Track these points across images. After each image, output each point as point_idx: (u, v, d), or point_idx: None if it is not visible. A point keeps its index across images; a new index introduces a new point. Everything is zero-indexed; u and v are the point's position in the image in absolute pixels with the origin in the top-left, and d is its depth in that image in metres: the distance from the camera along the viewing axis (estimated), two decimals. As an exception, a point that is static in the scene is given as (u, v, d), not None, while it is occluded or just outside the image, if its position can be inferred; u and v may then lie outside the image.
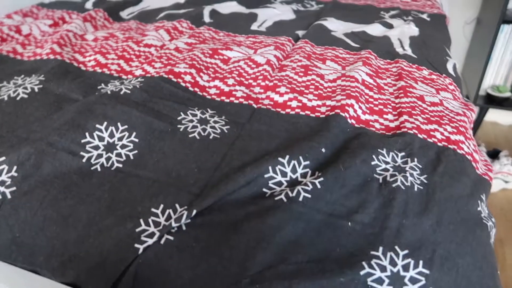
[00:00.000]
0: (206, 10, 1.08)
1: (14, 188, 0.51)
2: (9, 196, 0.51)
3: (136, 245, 0.45)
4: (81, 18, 0.94)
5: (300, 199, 0.48)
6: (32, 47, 0.82)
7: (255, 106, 0.65)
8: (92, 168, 0.53)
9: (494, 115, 2.13)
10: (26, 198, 0.51)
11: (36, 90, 0.65)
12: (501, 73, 1.83)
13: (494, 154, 1.80)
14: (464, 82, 2.02)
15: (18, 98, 0.63)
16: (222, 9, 1.13)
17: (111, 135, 0.57)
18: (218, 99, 0.67)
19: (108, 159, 0.54)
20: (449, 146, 0.58)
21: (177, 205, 0.49)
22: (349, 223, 0.46)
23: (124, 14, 1.11)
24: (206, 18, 1.05)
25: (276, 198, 0.48)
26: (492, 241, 0.53)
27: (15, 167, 0.53)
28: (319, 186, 0.49)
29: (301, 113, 0.63)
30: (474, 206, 0.51)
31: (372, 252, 0.44)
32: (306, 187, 0.49)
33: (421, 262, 0.43)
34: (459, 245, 0.45)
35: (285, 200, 0.48)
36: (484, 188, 0.55)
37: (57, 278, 0.47)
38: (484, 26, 1.81)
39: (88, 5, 1.12)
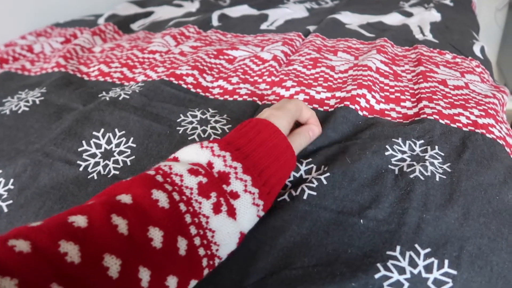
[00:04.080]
0: (215, 15, 1.06)
1: (10, 201, 0.50)
2: (5, 209, 0.49)
3: None
4: (90, 32, 0.94)
5: (305, 197, 0.43)
6: (40, 63, 0.82)
7: (259, 102, 0.61)
8: (88, 177, 0.51)
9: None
10: (22, 211, 0.49)
11: (38, 102, 0.64)
12: (540, 58, 1.70)
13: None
14: (500, 72, 1.89)
15: (19, 112, 0.62)
16: (232, 12, 1.11)
17: (109, 142, 0.54)
18: (221, 98, 0.64)
19: (105, 166, 0.52)
20: (477, 130, 0.52)
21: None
22: (361, 221, 0.41)
23: (134, 26, 1.11)
24: (215, 22, 1.03)
25: (279, 199, 0.44)
26: None
27: (12, 180, 0.51)
28: (325, 182, 0.44)
29: (309, 106, 0.59)
30: (509, 195, 0.44)
31: (388, 252, 0.38)
32: (311, 184, 0.44)
33: (446, 262, 0.37)
34: (492, 240, 0.39)
35: (288, 200, 0.43)
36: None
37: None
38: (517, 10, 1.70)
39: (101, 21, 1.13)
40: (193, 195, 0.33)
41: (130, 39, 0.93)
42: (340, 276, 0.37)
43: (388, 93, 0.62)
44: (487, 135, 0.51)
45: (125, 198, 0.31)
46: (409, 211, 0.41)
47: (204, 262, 0.33)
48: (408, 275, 0.37)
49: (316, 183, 0.44)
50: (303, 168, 0.47)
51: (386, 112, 0.58)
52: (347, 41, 0.84)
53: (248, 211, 0.37)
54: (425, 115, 0.54)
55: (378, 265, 0.37)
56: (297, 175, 0.47)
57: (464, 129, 0.52)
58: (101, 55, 0.83)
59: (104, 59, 0.79)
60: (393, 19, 1.00)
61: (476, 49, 0.83)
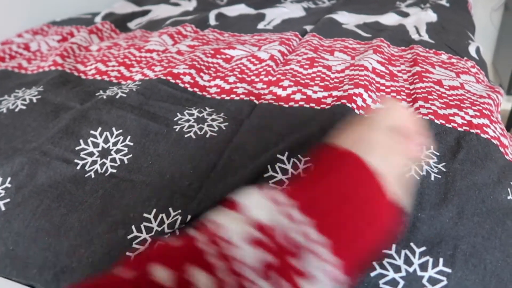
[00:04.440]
0: (212, 14, 1.06)
1: (8, 200, 0.50)
2: (3, 208, 0.49)
3: (128, 253, 0.42)
4: (87, 30, 0.94)
5: None
6: (37, 62, 0.82)
7: (256, 102, 0.62)
8: (86, 175, 0.51)
9: (533, 105, 1.99)
10: (19, 209, 0.49)
11: (35, 100, 0.64)
12: (535, 58, 1.71)
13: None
14: (496, 72, 1.90)
15: (16, 110, 0.62)
16: (229, 12, 1.11)
17: (106, 141, 0.54)
18: (218, 97, 0.64)
19: (102, 165, 0.52)
20: (471, 130, 0.52)
21: (170, 209, 0.45)
22: None
23: (132, 25, 1.10)
24: (212, 21, 1.03)
25: None
26: None
27: (9, 178, 0.51)
28: None
29: (305, 105, 0.59)
30: (503, 194, 0.44)
31: (384, 251, 0.39)
32: None
33: (441, 260, 0.38)
34: (486, 239, 0.40)
35: None
36: (515, 175, 0.49)
37: (52, 291, 0.45)
38: (512, 10, 1.71)
39: (97, 19, 1.13)
40: (251, 276, 0.23)
41: (127, 38, 0.93)
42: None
43: (384, 93, 0.62)
44: (482, 135, 0.52)
45: None
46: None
47: None
48: (403, 273, 0.37)
49: None
50: (301, 166, 0.47)
51: (382, 112, 0.58)
52: (344, 41, 0.84)
53: None
54: (420, 115, 0.54)
55: (374, 263, 0.38)
56: (296, 173, 0.47)
57: (459, 129, 0.52)
58: (98, 53, 0.83)
59: (101, 58, 0.79)
60: (389, 19, 1.01)
61: (472, 49, 0.84)
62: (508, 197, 0.45)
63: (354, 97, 0.58)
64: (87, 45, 0.88)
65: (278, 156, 0.47)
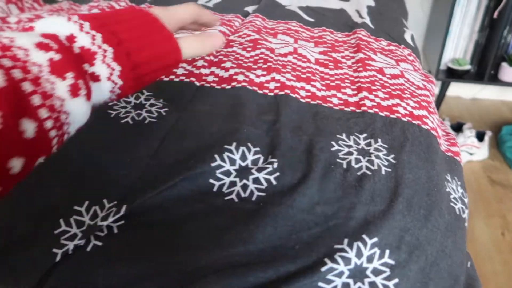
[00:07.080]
0: (148, -13, 0.99)
1: None
2: None
3: (55, 250, 0.38)
4: (4, 0, 0.82)
5: (254, 198, 0.42)
6: None
7: (197, 83, 0.58)
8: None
9: (457, 89, 2.14)
10: None
11: None
12: (460, 46, 1.83)
13: (458, 128, 1.80)
14: (425, 58, 2.01)
15: None
16: (167, -15, 1.03)
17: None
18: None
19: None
20: (413, 121, 0.53)
21: (105, 201, 0.41)
22: (310, 216, 0.41)
23: (56, -7, 0.99)
24: (148, -5, 0.96)
25: (226, 198, 0.42)
26: (466, 225, 0.48)
27: None
28: (274, 182, 0.43)
29: (248, 87, 0.57)
30: (443, 187, 0.46)
31: (336, 246, 0.38)
32: (260, 186, 0.42)
33: (387, 252, 0.38)
34: (430, 231, 0.41)
35: (236, 200, 0.41)
36: (452, 167, 0.51)
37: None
38: (441, -1, 1.80)
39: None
40: (43, 73, 0.28)
41: (52, 10, 0.83)
42: (286, 270, 0.36)
43: (328, 81, 0.62)
44: (423, 126, 0.53)
45: None
46: (357, 206, 0.41)
47: (55, 141, 0.30)
48: (352, 266, 0.37)
49: (265, 184, 0.43)
50: (250, 157, 0.45)
51: (328, 98, 0.58)
52: (287, 24, 0.82)
53: (103, 95, 0.35)
54: (365, 108, 0.54)
55: (326, 259, 0.37)
56: (243, 164, 0.45)
57: (403, 119, 0.53)
58: (17, 26, 0.73)
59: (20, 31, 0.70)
60: (331, 3, 1.01)
61: (407, 37, 0.86)
62: (447, 189, 0.46)
63: (297, 90, 0.57)
64: (4, 16, 0.77)
65: (226, 146, 0.45)
